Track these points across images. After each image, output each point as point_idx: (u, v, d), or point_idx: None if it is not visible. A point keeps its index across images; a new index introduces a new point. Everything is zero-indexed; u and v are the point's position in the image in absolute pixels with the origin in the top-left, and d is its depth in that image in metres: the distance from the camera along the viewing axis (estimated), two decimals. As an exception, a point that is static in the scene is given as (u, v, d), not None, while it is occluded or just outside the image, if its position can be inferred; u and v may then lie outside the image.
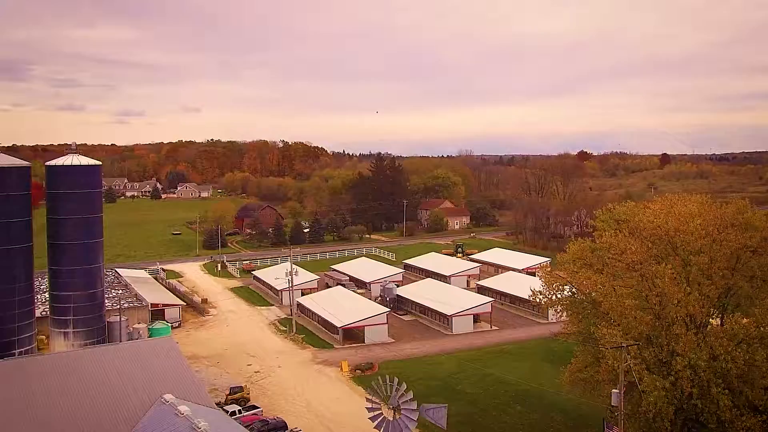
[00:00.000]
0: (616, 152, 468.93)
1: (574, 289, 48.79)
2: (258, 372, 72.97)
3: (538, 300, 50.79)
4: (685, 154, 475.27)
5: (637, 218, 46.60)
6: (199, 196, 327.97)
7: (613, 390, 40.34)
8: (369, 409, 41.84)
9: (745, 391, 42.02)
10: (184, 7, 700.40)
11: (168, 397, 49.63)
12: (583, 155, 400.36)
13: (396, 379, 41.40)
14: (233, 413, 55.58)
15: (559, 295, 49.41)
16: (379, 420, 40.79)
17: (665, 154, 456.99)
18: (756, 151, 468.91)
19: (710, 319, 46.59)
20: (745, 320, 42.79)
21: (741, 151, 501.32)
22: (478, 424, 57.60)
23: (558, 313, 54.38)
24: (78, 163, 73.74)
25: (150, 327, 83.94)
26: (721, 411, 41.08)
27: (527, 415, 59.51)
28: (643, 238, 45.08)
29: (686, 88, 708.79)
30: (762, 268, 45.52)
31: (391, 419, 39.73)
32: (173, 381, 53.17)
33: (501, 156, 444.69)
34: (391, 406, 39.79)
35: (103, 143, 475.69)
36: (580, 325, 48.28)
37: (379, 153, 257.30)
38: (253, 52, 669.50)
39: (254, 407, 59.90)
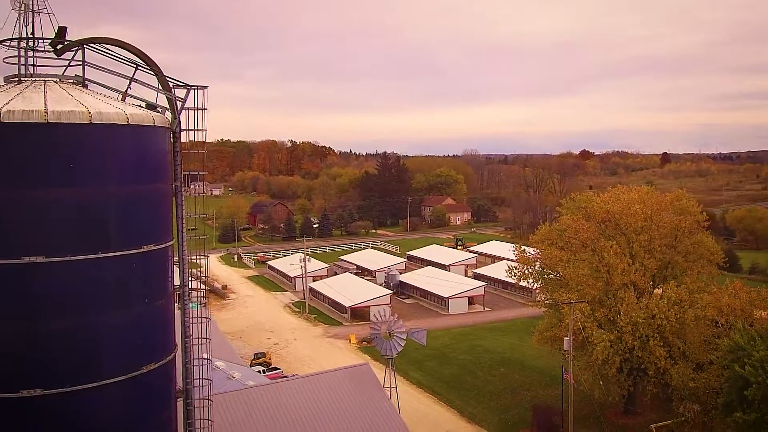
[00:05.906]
0: (618, 151, 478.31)
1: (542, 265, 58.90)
2: (276, 344, 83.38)
3: (513, 274, 60.97)
4: (689, 153, 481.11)
5: (591, 205, 56.62)
6: (211, 193, 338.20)
7: (565, 337, 50.30)
8: (372, 334, 52.60)
9: (678, 344, 51.95)
10: (186, 7, 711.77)
11: (205, 354, 59.93)
12: (585, 154, 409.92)
13: (396, 315, 52.57)
14: (259, 371, 65.72)
15: (530, 270, 59.58)
16: (377, 341, 51.60)
17: (666, 153, 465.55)
18: (761, 150, 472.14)
19: (654, 290, 56.54)
20: (677, 288, 52.70)
21: (746, 150, 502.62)
22: (467, 382, 67.84)
23: (531, 285, 64.29)
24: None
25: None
26: (657, 360, 50.97)
27: (509, 375, 69.61)
28: (596, 220, 55.14)
29: (693, 87, 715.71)
30: (694, 246, 55.60)
31: (387, 341, 50.60)
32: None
33: (506, 155, 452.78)
34: (387, 331, 50.62)
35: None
36: (547, 293, 58.31)
37: (385, 152, 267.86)
38: (258, 52, 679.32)
39: (276, 369, 70.22)
